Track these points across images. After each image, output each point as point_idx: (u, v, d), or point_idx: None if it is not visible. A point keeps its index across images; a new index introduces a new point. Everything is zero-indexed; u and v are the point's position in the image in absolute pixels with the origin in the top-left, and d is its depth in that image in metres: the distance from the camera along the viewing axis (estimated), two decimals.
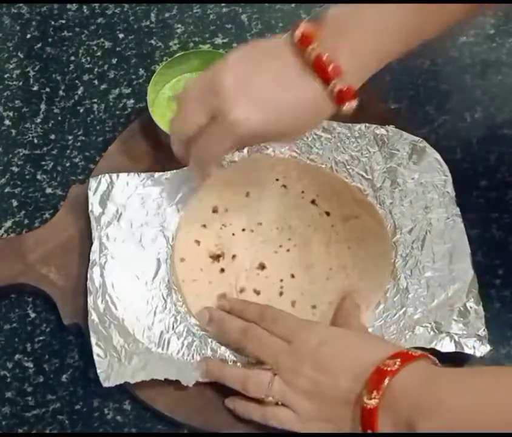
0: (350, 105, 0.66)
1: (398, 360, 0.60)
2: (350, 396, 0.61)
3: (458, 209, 0.78)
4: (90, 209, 0.78)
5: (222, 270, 0.76)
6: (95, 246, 0.76)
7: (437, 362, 0.63)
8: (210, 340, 0.72)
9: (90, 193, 0.79)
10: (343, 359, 0.63)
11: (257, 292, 0.75)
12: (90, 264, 0.75)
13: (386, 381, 0.59)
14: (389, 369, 0.59)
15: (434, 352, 0.70)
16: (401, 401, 0.59)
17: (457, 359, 0.70)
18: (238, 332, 0.69)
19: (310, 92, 0.66)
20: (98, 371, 0.68)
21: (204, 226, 0.79)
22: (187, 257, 0.77)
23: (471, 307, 0.72)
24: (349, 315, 0.71)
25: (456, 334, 0.70)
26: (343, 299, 0.73)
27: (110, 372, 0.68)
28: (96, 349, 0.70)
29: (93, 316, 0.72)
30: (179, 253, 0.77)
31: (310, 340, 0.65)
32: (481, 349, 0.70)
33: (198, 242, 0.78)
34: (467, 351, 0.70)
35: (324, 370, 0.63)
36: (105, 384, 0.68)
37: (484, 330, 0.71)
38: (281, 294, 0.75)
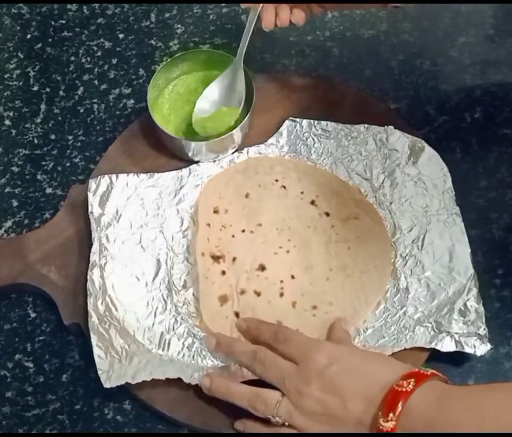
0: None
1: (412, 380, 0.59)
2: (364, 417, 0.60)
3: (457, 208, 0.78)
4: (89, 210, 0.78)
5: (223, 272, 0.76)
6: (95, 247, 0.76)
7: (448, 379, 0.63)
8: None
9: (90, 194, 0.79)
10: (352, 380, 0.62)
11: (257, 294, 0.75)
12: (90, 265, 0.75)
13: (401, 403, 0.58)
14: (403, 390, 0.59)
15: (434, 352, 0.70)
16: (417, 421, 0.58)
17: (456, 358, 0.70)
18: (246, 356, 0.68)
19: None
20: (99, 372, 0.68)
21: (208, 225, 0.79)
22: (205, 253, 0.77)
23: (471, 306, 0.72)
24: (341, 342, 0.70)
25: (456, 333, 0.70)
26: (331, 329, 0.72)
27: (111, 373, 0.68)
28: (96, 350, 0.70)
29: (93, 318, 0.72)
30: (201, 247, 0.77)
31: (319, 360, 0.63)
32: (482, 348, 0.70)
33: (208, 239, 0.78)
34: (467, 350, 0.69)
35: (333, 391, 0.62)
36: (106, 385, 0.68)
37: (484, 329, 0.70)
38: (281, 295, 0.75)
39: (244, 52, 0.84)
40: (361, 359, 0.65)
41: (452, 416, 0.57)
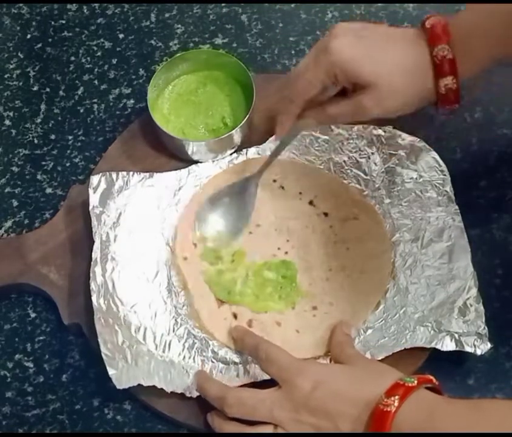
0: (448, 84, 0.71)
1: (397, 397, 0.59)
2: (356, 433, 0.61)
3: (457, 207, 0.78)
4: (90, 207, 0.78)
5: (222, 273, 0.76)
6: (96, 244, 0.76)
7: (434, 379, 0.62)
8: (211, 342, 0.72)
9: (91, 191, 0.79)
10: (337, 403, 0.62)
11: (256, 296, 0.75)
12: (92, 262, 0.75)
13: (389, 424, 0.58)
14: (389, 410, 0.58)
15: (434, 351, 0.70)
16: None
17: (456, 357, 0.71)
18: (216, 398, 0.67)
19: (415, 54, 0.72)
20: (110, 372, 0.68)
21: None
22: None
23: (471, 305, 0.72)
24: (342, 345, 0.70)
25: (456, 332, 0.70)
26: (333, 332, 0.71)
27: (120, 374, 0.68)
28: (103, 349, 0.69)
29: (98, 315, 0.71)
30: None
31: (303, 385, 0.63)
32: (482, 347, 0.70)
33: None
34: (467, 349, 0.69)
35: (321, 414, 0.62)
36: (119, 386, 0.68)
37: (484, 328, 0.70)
38: (280, 296, 0.75)
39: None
40: (344, 378, 0.64)
41: (440, 431, 0.57)
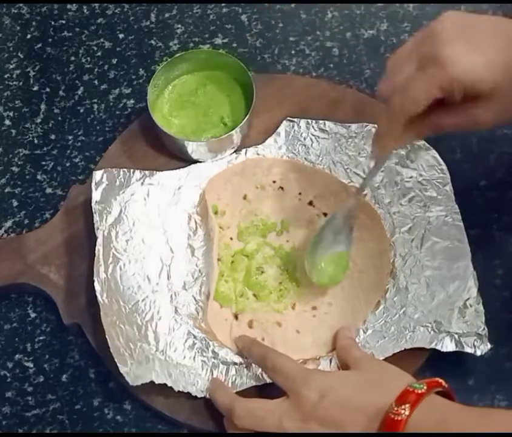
0: None
1: (408, 406, 0.58)
2: None
3: (456, 206, 0.78)
4: (93, 202, 0.78)
5: (222, 275, 0.76)
6: (99, 241, 0.76)
7: (443, 382, 0.61)
8: (211, 342, 0.72)
9: (93, 187, 0.79)
10: (346, 412, 0.61)
11: (256, 296, 0.75)
12: (95, 259, 0.74)
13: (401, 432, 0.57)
14: (400, 418, 0.57)
15: (434, 351, 0.70)
16: None
17: (456, 358, 0.71)
18: (225, 409, 0.66)
19: None
20: (121, 370, 0.68)
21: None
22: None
23: (470, 305, 0.72)
24: (348, 348, 0.69)
25: (456, 333, 0.70)
26: (337, 337, 0.71)
27: (131, 371, 0.68)
28: (112, 347, 0.69)
29: (104, 311, 0.71)
30: (217, 252, 0.77)
31: (309, 395, 0.62)
32: (482, 348, 0.70)
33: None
34: (467, 350, 0.69)
35: (330, 424, 0.61)
36: (132, 383, 0.68)
37: (484, 328, 0.70)
38: (280, 296, 0.75)
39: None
40: (351, 386, 0.63)
41: None
